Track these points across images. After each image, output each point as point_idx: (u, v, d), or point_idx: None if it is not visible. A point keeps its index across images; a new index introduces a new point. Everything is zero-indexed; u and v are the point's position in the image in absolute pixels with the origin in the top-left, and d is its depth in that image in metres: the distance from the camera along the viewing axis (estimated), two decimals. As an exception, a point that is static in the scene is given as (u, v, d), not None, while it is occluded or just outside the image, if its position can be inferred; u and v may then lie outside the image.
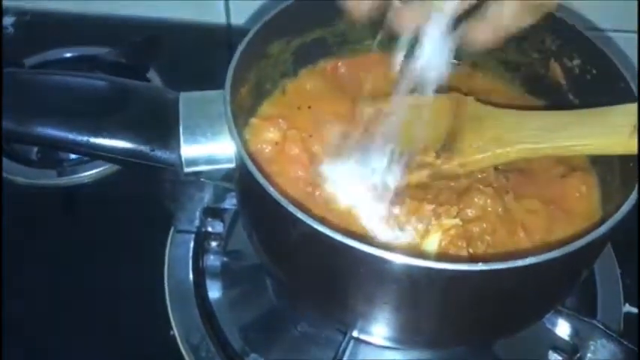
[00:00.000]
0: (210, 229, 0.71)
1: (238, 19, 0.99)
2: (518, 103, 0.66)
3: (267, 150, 0.59)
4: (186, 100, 0.54)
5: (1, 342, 0.63)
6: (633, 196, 0.48)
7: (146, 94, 0.54)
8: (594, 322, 0.63)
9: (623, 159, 0.54)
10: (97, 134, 0.49)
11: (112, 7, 0.97)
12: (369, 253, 0.44)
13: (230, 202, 0.72)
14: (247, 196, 0.54)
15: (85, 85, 0.52)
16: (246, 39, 0.57)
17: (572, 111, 0.55)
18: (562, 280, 0.53)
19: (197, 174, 0.53)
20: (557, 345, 0.63)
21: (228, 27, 0.99)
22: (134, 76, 0.85)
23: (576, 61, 0.62)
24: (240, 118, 0.57)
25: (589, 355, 0.61)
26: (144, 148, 0.50)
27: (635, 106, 0.50)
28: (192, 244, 0.71)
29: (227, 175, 0.65)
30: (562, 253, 0.45)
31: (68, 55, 0.89)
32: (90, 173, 0.77)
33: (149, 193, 0.71)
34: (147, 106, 0.53)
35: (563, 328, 0.63)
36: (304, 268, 0.53)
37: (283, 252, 0.54)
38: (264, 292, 0.70)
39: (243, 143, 0.52)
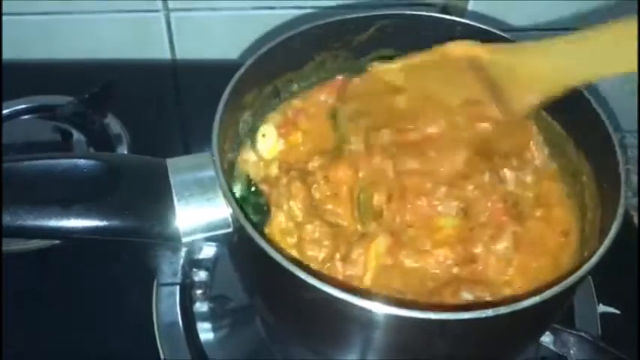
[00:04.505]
0: (196, 279, 0.71)
1: (183, 53, 0.99)
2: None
3: None
4: (175, 167, 0.54)
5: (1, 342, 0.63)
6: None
7: (134, 167, 0.53)
8: (574, 331, 0.66)
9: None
10: (94, 219, 0.48)
11: (54, 53, 0.96)
12: (365, 307, 0.46)
13: (209, 252, 0.73)
14: (247, 258, 0.55)
15: (71, 168, 0.50)
16: (223, 99, 0.57)
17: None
18: (540, 318, 0.55)
19: (194, 242, 0.52)
20: (546, 355, 0.66)
21: (174, 62, 0.99)
22: (92, 122, 0.85)
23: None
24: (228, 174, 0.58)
25: (574, 362, 0.65)
26: (143, 227, 0.50)
27: None
28: (178, 295, 0.71)
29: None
30: (541, 299, 0.46)
31: (23, 106, 0.86)
32: (61, 233, 0.74)
33: (125, 249, 0.71)
34: (137, 180, 0.52)
35: (548, 339, 0.66)
36: (310, 322, 0.54)
37: (287, 310, 0.55)
38: (255, 332, 0.71)
39: (240, 207, 0.52)
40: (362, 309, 0.46)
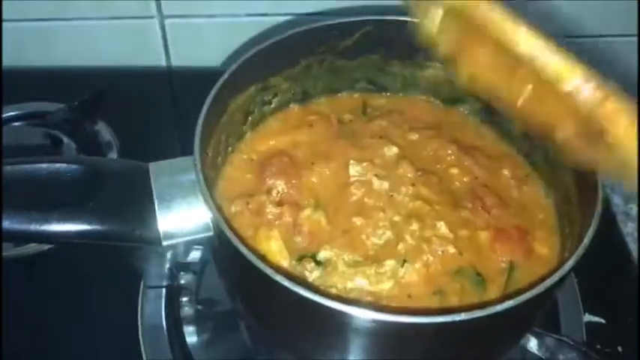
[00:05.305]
0: (182, 282, 0.71)
1: (178, 60, 1.00)
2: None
3: None
4: (157, 171, 0.55)
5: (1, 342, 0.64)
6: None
7: (116, 171, 0.54)
8: (559, 336, 0.66)
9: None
10: (75, 223, 0.49)
11: (48, 59, 0.96)
12: (339, 310, 0.46)
13: (196, 256, 0.73)
14: (227, 262, 0.55)
15: (54, 172, 0.51)
16: (207, 103, 0.58)
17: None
18: (518, 322, 0.56)
19: (175, 245, 0.53)
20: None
21: (169, 69, 1.00)
22: (83, 129, 0.85)
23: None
24: (210, 179, 0.58)
25: (558, 367, 0.65)
26: (124, 230, 0.51)
27: None
28: (164, 298, 0.71)
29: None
30: (517, 302, 0.47)
31: (14, 112, 0.87)
32: (47, 239, 0.75)
33: (111, 254, 0.71)
34: (119, 184, 0.52)
35: (533, 344, 0.66)
36: (289, 325, 0.55)
37: (266, 312, 0.55)
38: (241, 335, 0.71)
39: (219, 211, 0.53)
40: (336, 311, 0.46)
